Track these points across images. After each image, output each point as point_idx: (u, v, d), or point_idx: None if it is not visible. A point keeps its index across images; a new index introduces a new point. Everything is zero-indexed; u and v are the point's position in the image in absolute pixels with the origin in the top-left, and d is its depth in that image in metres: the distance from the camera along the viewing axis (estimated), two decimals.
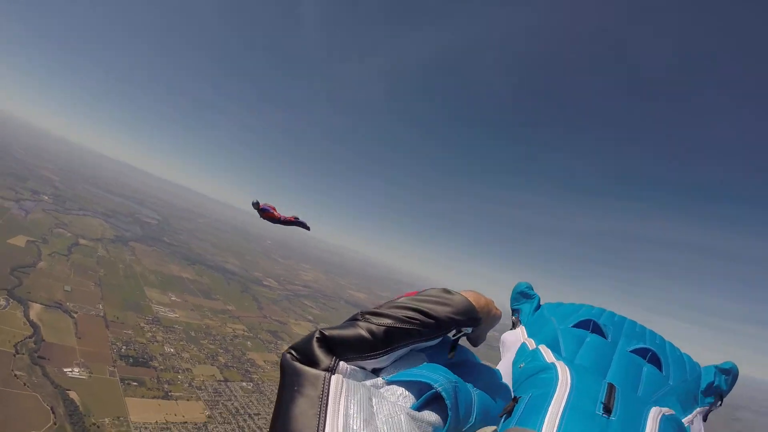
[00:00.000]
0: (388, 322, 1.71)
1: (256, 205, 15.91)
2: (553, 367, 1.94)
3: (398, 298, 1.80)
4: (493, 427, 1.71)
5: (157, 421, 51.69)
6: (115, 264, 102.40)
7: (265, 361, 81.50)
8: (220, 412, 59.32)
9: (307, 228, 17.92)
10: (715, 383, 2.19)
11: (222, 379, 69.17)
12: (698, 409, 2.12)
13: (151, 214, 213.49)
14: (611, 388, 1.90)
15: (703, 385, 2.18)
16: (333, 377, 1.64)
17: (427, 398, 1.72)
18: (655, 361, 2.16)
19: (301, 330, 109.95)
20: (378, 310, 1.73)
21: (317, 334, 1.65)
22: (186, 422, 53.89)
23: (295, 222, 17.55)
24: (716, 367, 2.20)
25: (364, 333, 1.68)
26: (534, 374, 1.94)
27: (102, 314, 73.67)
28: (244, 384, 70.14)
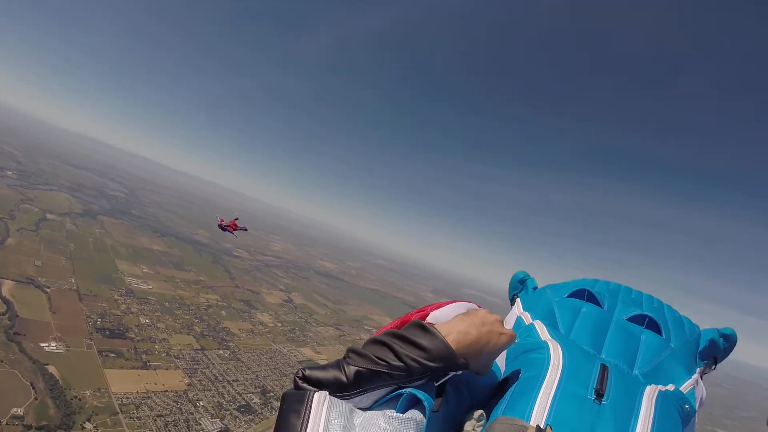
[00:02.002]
0: (360, 362, 1.62)
1: (220, 226, 20.28)
2: (545, 346, 1.88)
3: (390, 326, 1.77)
4: (480, 411, 1.62)
5: (138, 391, 51.13)
6: (84, 238, 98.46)
7: (240, 330, 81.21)
8: (200, 380, 59.18)
9: (245, 229, 21.64)
10: (710, 347, 2.22)
11: (199, 347, 68.67)
12: (698, 369, 2.13)
13: (118, 187, 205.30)
14: (604, 369, 1.76)
15: (702, 345, 2.22)
16: (316, 393, 1.62)
17: (408, 400, 1.62)
18: (653, 326, 2.17)
19: (273, 299, 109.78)
20: (358, 349, 1.65)
21: (299, 374, 1.63)
22: (167, 390, 53.50)
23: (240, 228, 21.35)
24: (717, 330, 2.24)
25: (339, 374, 1.62)
26: (526, 351, 1.91)
27: (75, 288, 71.26)
28: (221, 352, 69.98)
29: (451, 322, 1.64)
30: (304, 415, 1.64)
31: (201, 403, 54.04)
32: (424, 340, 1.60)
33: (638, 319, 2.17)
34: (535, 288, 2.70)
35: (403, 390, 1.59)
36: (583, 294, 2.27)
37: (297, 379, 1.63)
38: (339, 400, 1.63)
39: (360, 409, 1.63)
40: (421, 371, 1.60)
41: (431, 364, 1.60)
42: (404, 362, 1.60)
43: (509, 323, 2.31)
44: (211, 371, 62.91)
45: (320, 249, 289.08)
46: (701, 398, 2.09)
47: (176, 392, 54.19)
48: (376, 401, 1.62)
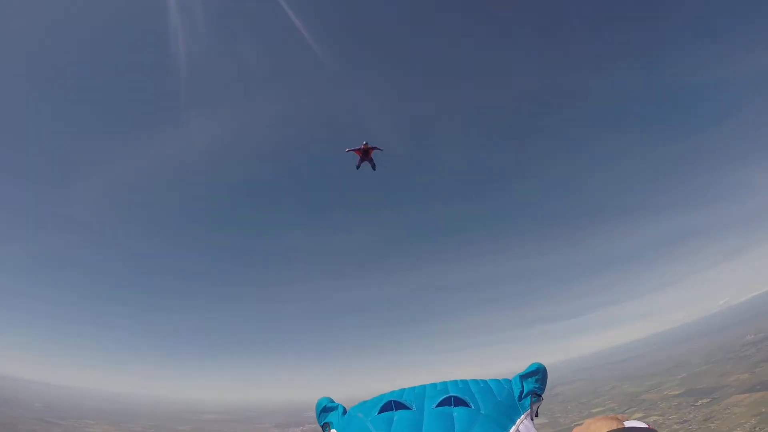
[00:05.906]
0: None
1: (353, 149, 18.65)
2: None
3: None
4: None
5: None
6: None
7: None
8: None
9: (380, 149, 19.24)
10: (524, 390, 2.39)
11: None
12: (521, 416, 2.32)
13: None
14: None
15: (516, 395, 2.38)
16: None
17: None
18: (461, 402, 2.34)
19: None
20: None
21: None
22: None
23: (373, 148, 18.90)
24: (520, 375, 2.41)
25: None
26: None
27: None
28: None
29: None
30: None
31: None
32: None
33: (446, 402, 2.32)
34: (344, 412, 2.69)
35: None
36: (392, 405, 2.37)
37: None
38: None
39: None
40: None
41: None
42: None
43: None
44: None
45: (142, 422, 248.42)
46: None
47: None
48: None
